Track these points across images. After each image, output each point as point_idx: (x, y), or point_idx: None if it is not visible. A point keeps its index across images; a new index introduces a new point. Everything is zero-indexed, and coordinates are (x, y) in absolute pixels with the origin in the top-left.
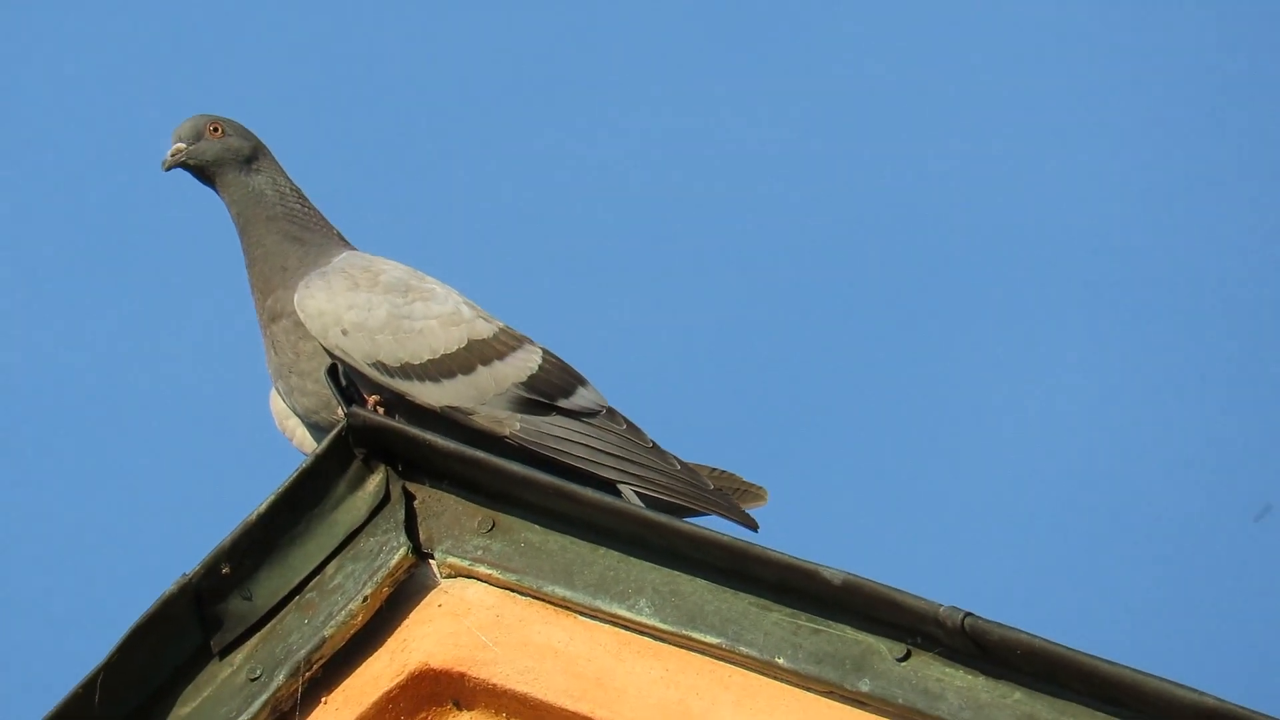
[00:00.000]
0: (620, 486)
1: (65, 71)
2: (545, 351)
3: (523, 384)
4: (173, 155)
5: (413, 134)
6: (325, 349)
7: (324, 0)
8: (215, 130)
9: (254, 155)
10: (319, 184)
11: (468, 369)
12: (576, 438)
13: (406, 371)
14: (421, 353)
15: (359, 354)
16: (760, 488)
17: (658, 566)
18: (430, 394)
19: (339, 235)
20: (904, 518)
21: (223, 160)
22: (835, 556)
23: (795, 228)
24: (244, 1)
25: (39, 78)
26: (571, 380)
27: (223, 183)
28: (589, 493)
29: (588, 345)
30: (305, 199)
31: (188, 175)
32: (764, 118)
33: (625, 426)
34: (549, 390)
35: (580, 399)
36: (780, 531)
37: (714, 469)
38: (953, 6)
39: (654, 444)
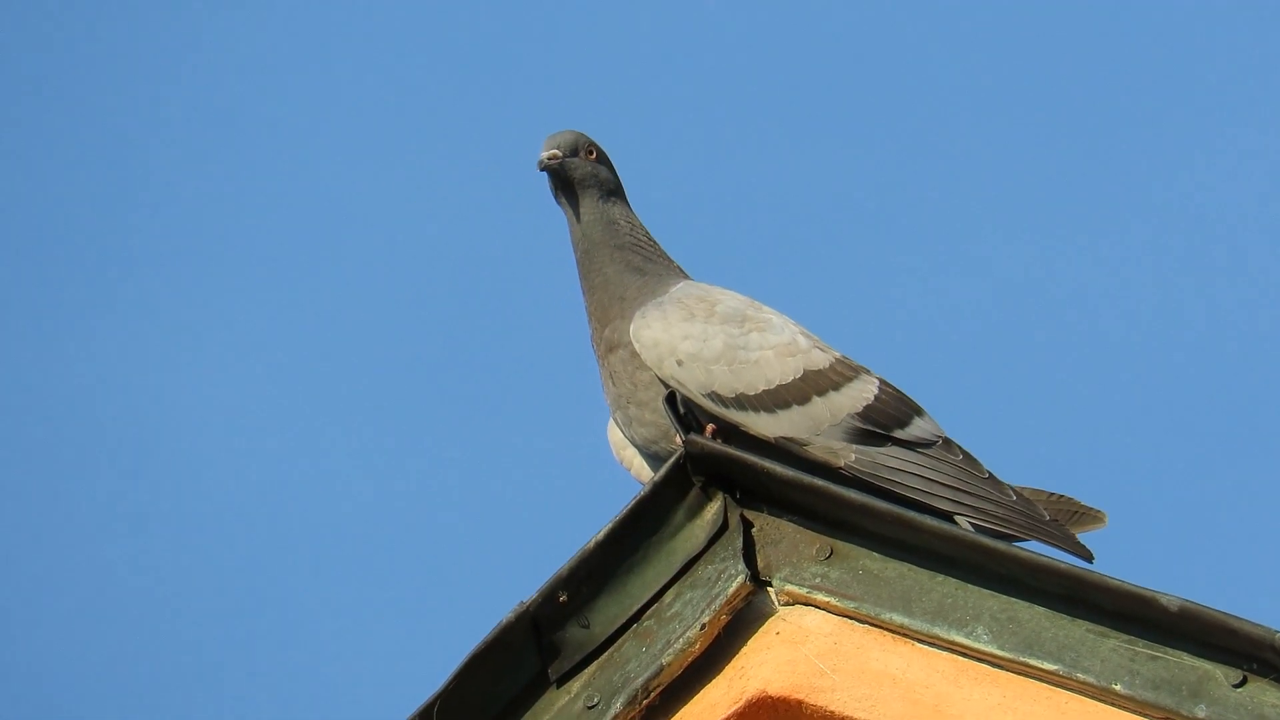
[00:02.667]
0: (956, 517)
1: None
2: (882, 382)
3: (858, 414)
4: (549, 158)
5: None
6: (660, 379)
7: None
8: (590, 153)
9: (615, 189)
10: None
11: (803, 399)
12: (912, 468)
13: (741, 402)
14: (757, 383)
15: (694, 384)
16: (1099, 511)
17: (995, 593)
18: (765, 425)
19: (679, 269)
20: (1240, 541)
21: (588, 182)
22: (1171, 581)
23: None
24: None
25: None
26: (908, 410)
27: (583, 203)
28: (927, 520)
29: (923, 371)
30: (652, 237)
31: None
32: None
33: (961, 457)
34: (885, 421)
35: (916, 429)
36: (1117, 556)
37: (1051, 493)
38: None
39: (990, 474)
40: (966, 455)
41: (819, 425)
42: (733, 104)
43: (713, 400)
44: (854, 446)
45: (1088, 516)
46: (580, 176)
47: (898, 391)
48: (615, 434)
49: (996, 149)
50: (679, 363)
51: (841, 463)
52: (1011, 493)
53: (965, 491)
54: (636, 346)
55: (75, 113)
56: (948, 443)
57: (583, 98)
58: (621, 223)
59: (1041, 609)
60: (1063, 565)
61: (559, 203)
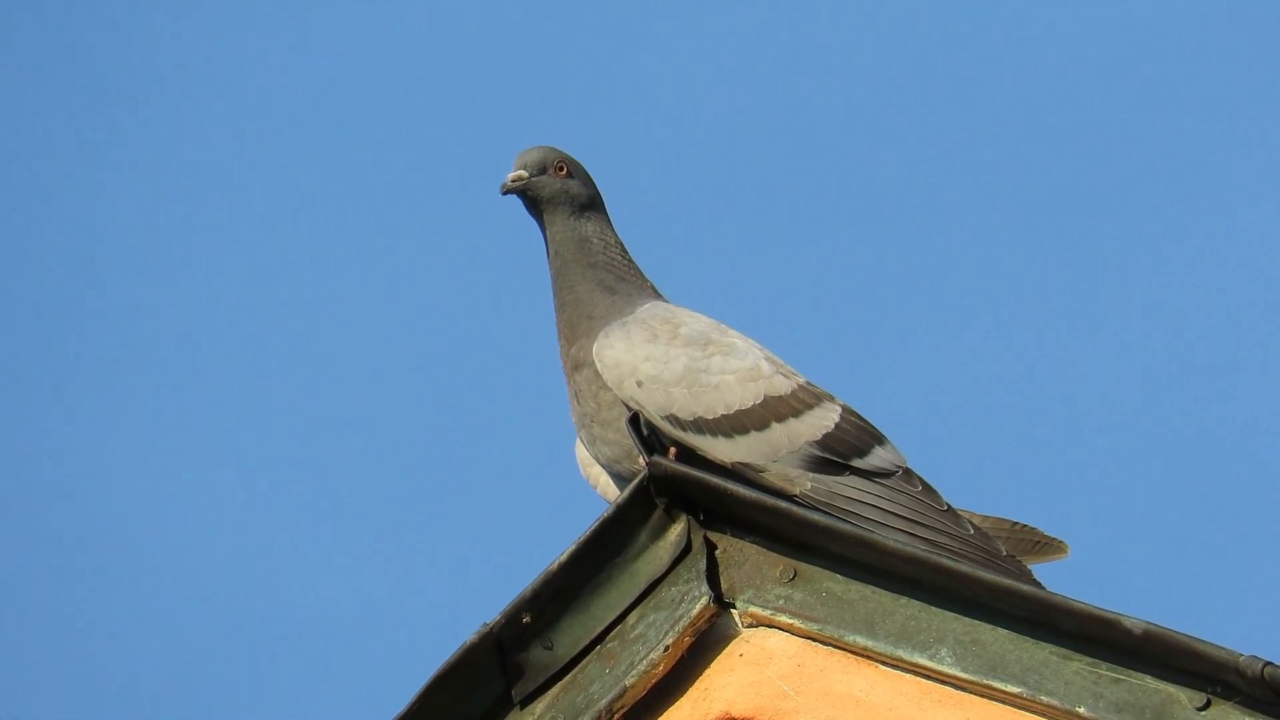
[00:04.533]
0: None
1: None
2: (845, 409)
3: (816, 442)
4: (513, 180)
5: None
6: (621, 400)
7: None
8: (561, 169)
9: (590, 204)
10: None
11: (762, 425)
12: (868, 499)
13: (699, 426)
14: (716, 407)
15: (653, 406)
16: (1060, 541)
17: (959, 616)
18: (722, 449)
19: (653, 288)
20: (1204, 564)
21: (558, 200)
22: (1136, 603)
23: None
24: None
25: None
26: (869, 440)
27: (551, 221)
28: (891, 542)
29: (889, 398)
30: (628, 253)
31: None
32: None
33: (921, 488)
34: (843, 449)
35: (876, 459)
36: (1081, 578)
37: (1015, 523)
38: None
39: (949, 506)
40: (926, 486)
41: (776, 452)
42: (739, 141)
43: (670, 423)
44: (810, 474)
45: (1050, 547)
46: (549, 195)
47: (860, 420)
48: (582, 453)
49: (976, 215)
50: (639, 384)
51: (797, 490)
52: (970, 526)
53: (921, 524)
54: (599, 366)
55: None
56: (908, 473)
57: (613, 121)
58: (594, 240)
59: (1005, 631)
60: (1026, 588)
61: (533, 217)
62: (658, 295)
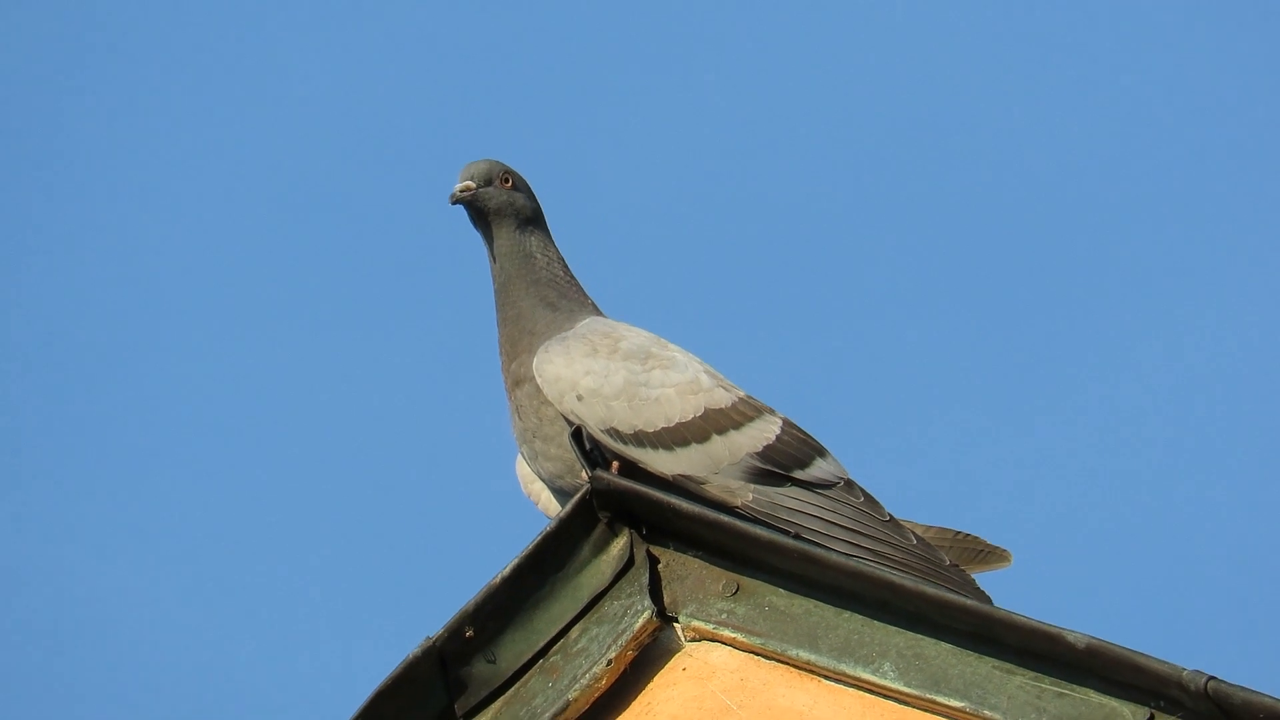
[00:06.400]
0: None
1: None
2: (786, 422)
3: (758, 454)
4: (461, 191)
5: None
6: (561, 414)
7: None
8: (506, 180)
9: (533, 217)
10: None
11: (702, 438)
12: (810, 510)
13: (640, 439)
14: (656, 420)
15: (593, 420)
16: (1003, 550)
17: (902, 630)
18: (663, 462)
19: (593, 305)
20: (1148, 578)
21: (504, 212)
22: (1079, 618)
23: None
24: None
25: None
26: (809, 451)
27: (497, 234)
28: (833, 557)
29: (831, 409)
30: (569, 269)
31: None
32: None
33: (862, 499)
34: (784, 461)
35: (817, 470)
36: (1025, 593)
37: (957, 532)
38: None
39: (891, 517)
40: (868, 497)
41: (717, 464)
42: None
43: (611, 436)
44: (752, 486)
45: (993, 555)
46: (495, 207)
47: (801, 432)
48: (523, 468)
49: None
50: (579, 398)
51: (739, 502)
52: (912, 536)
53: (863, 534)
54: (539, 381)
55: None
56: (849, 484)
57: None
58: (538, 256)
59: (948, 646)
60: (970, 602)
61: (478, 231)
62: (598, 311)
